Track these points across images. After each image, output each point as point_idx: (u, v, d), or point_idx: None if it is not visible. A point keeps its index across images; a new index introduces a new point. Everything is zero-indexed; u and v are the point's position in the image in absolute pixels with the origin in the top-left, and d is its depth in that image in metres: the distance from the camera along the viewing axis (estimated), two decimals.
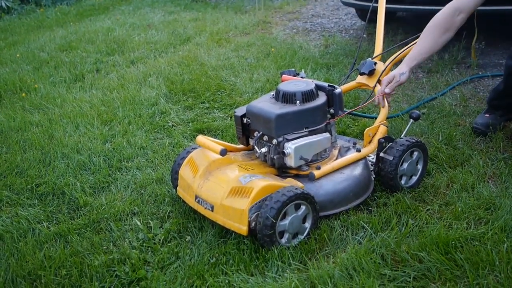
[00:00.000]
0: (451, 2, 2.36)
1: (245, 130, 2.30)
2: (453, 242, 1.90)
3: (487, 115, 2.84)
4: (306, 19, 6.03)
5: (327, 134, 2.23)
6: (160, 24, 6.04)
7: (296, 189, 1.96)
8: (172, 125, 3.24)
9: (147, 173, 2.64)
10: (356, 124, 3.07)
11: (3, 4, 7.65)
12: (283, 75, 2.51)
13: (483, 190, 2.26)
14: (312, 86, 2.22)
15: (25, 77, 4.32)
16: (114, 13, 7.20)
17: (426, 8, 3.79)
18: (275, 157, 2.16)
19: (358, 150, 2.33)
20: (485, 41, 3.96)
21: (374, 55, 2.72)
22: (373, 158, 2.38)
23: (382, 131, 2.40)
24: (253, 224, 1.94)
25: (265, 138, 2.18)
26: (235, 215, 1.96)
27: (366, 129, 2.40)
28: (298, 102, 2.16)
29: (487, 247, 1.87)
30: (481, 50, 3.97)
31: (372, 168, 2.35)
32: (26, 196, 2.52)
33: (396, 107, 3.26)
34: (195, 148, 2.34)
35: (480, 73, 3.72)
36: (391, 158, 2.25)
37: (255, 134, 2.21)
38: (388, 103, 2.41)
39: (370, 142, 2.39)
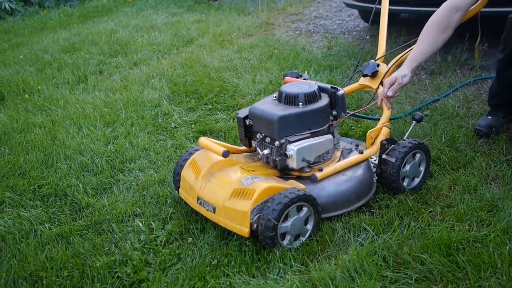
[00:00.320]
0: (447, 1, 2.36)
1: (248, 132, 2.30)
2: (455, 244, 1.90)
3: (489, 117, 2.83)
4: (309, 20, 6.03)
5: (329, 136, 2.22)
6: (163, 26, 6.06)
7: (298, 191, 1.96)
8: (175, 126, 3.25)
9: (149, 174, 2.64)
10: (359, 125, 3.07)
11: (7, 6, 7.68)
12: (286, 77, 2.51)
13: (486, 192, 2.25)
14: (315, 88, 2.22)
15: (28, 79, 4.34)
16: (117, 15, 7.22)
17: (429, 9, 3.76)
18: (277, 159, 2.16)
19: (361, 152, 2.32)
20: (488, 43, 3.95)
21: (377, 57, 2.71)
22: (375, 160, 2.37)
23: (384, 133, 2.39)
24: (255, 226, 1.93)
25: (268, 139, 2.18)
26: (237, 216, 1.96)
27: (369, 131, 2.40)
28: (300, 104, 2.16)
29: (489, 249, 1.87)
30: (484, 52, 3.96)
31: (374, 170, 2.35)
32: (29, 197, 2.52)
33: (398, 109, 3.26)
34: (197, 150, 2.34)
35: (483, 74, 3.71)
36: (393, 160, 2.25)
37: (257, 136, 2.21)
38: (390, 104, 2.41)
39: (372, 144, 2.39)
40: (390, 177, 2.26)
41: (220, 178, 2.12)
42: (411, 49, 2.63)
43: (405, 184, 2.33)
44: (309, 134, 2.16)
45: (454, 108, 3.17)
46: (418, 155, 2.35)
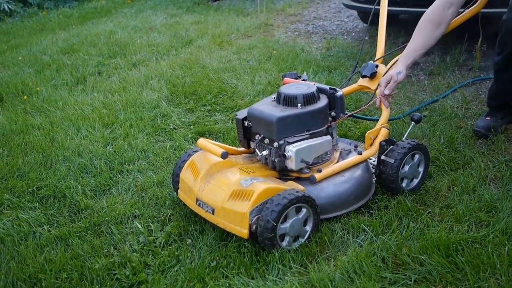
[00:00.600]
0: None
1: (247, 133, 2.30)
2: (454, 245, 1.90)
3: (488, 118, 2.83)
4: (308, 21, 6.03)
5: (328, 137, 2.22)
6: (162, 27, 6.05)
7: (297, 192, 1.96)
8: (174, 128, 3.24)
9: (148, 176, 2.64)
10: (358, 126, 3.07)
11: (6, 7, 7.68)
12: (285, 78, 2.50)
13: (484, 193, 2.25)
14: (314, 89, 2.22)
15: (27, 80, 4.33)
16: (116, 16, 7.22)
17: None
18: (276, 160, 2.16)
19: (359, 153, 2.32)
20: (486, 44, 3.95)
21: (376, 58, 2.72)
22: (374, 161, 2.37)
23: (383, 134, 2.39)
24: (254, 227, 1.93)
25: (266, 141, 2.18)
26: (236, 218, 1.96)
27: (368, 131, 2.40)
28: (299, 105, 2.16)
29: (488, 250, 1.87)
30: (483, 53, 3.97)
31: (373, 170, 2.35)
32: (27, 199, 2.52)
33: (397, 110, 3.26)
34: (196, 151, 2.34)
35: (482, 75, 3.71)
36: (392, 160, 2.25)
37: (256, 137, 2.21)
38: (389, 103, 2.41)
39: (371, 144, 2.39)
40: (389, 178, 2.26)
41: (219, 179, 2.12)
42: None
43: (404, 185, 2.33)
44: (308, 135, 2.16)
45: (452, 109, 3.17)
46: (417, 156, 2.35)
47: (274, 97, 2.27)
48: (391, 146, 2.32)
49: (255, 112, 2.21)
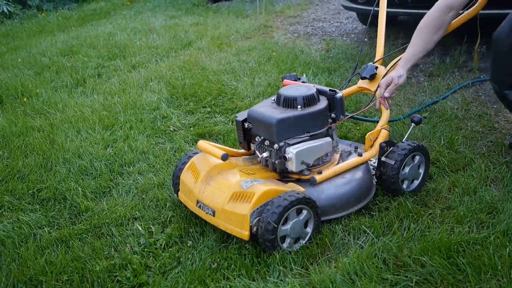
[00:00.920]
0: (441, 0, 2.36)
1: (247, 135, 2.30)
2: (455, 247, 1.90)
3: None
4: (307, 23, 6.04)
5: (328, 139, 2.22)
6: (161, 29, 6.06)
7: (297, 193, 1.96)
8: (174, 129, 3.24)
9: (149, 178, 2.64)
10: (358, 128, 3.07)
11: (5, 9, 7.67)
12: (285, 80, 2.51)
13: (485, 194, 2.25)
14: (313, 91, 2.22)
15: (27, 82, 4.33)
16: (115, 18, 7.22)
17: (427, 12, 3.78)
18: (276, 162, 2.16)
19: (360, 155, 2.32)
20: (486, 45, 3.96)
21: (375, 59, 2.72)
22: (374, 163, 2.37)
23: (383, 135, 2.39)
24: (254, 229, 1.93)
25: (267, 142, 2.18)
26: (237, 220, 1.96)
27: (368, 133, 2.40)
28: (299, 106, 2.16)
29: (489, 251, 1.86)
30: (482, 54, 3.97)
31: (373, 172, 2.35)
32: (28, 201, 2.52)
33: (397, 111, 3.26)
34: (196, 153, 2.34)
35: (481, 76, 3.72)
36: (392, 162, 2.25)
37: (256, 139, 2.21)
38: (389, 105, 2.41)
39: (371, 146, 2.39)
40: (390, 179, 2.26)
41: (219, 181, 2.12)
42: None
43: (404, 186, 2.33)
44: (308, 137, 2.16)
45: (452, 110, 3.18)
46: (417, 157, 2.35)
47: (274, 99, 2.27)
48: (392, 148, 2.31)
49: (255, 114, 2.21)
